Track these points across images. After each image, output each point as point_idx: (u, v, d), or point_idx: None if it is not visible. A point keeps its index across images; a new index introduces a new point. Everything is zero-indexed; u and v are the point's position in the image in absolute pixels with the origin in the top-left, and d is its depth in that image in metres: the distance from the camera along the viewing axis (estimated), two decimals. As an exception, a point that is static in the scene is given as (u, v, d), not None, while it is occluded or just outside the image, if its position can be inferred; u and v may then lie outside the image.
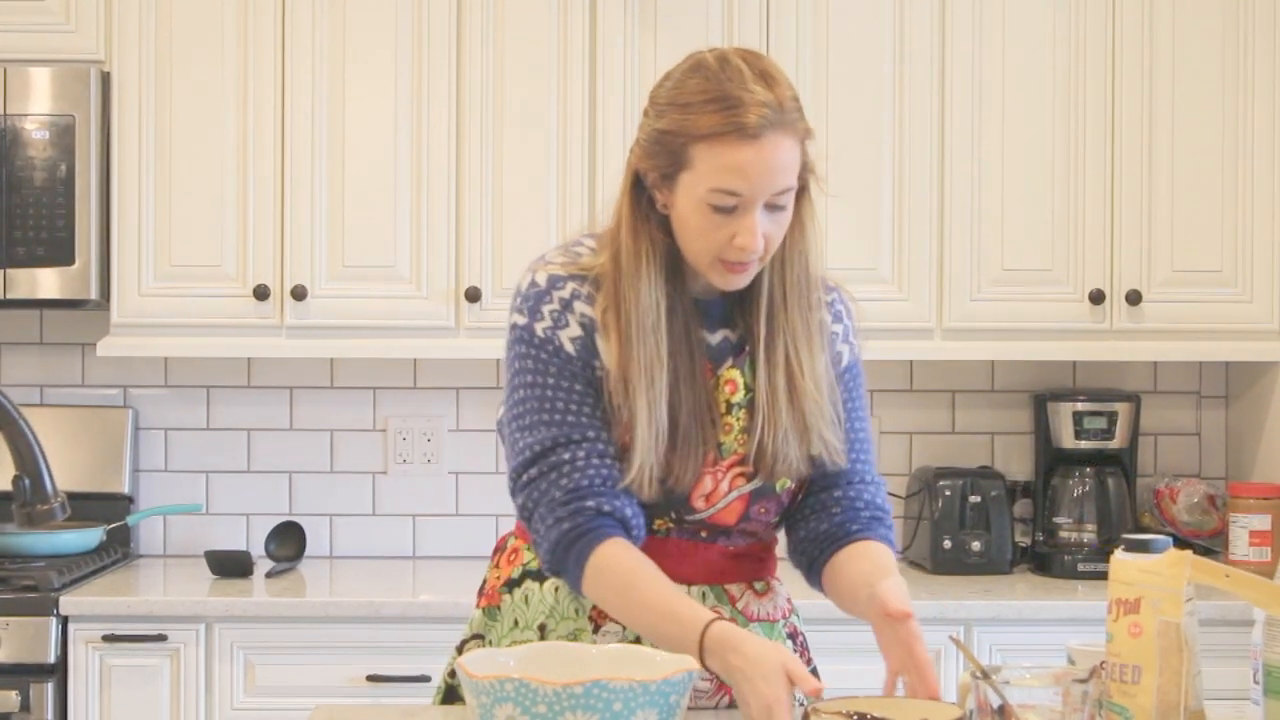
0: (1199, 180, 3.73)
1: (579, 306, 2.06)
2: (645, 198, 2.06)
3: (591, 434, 2.02)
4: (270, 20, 3.66)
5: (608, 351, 2.04)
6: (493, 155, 3.67)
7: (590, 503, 2.00)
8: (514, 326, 2.09)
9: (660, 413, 2.01)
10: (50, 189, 3.59)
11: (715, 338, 2.11)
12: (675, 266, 2.07)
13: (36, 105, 3.60)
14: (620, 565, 1.99)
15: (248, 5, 3.66)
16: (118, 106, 3.64)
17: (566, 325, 2.05)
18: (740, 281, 2.05)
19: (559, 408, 2.03)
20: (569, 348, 2.05)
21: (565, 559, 2.01)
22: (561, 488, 2.01)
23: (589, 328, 2.06)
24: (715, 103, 1.97)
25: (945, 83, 3.71)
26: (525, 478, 2.05)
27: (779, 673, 1.84)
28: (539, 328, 2.06)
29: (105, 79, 3.65)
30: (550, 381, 2.04)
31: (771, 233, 2.01)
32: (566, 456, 2.01)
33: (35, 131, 3.60)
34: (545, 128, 3.67)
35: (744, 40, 3.62)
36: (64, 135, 3.59)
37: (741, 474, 2.09)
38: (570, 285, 2.07)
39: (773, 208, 2.00)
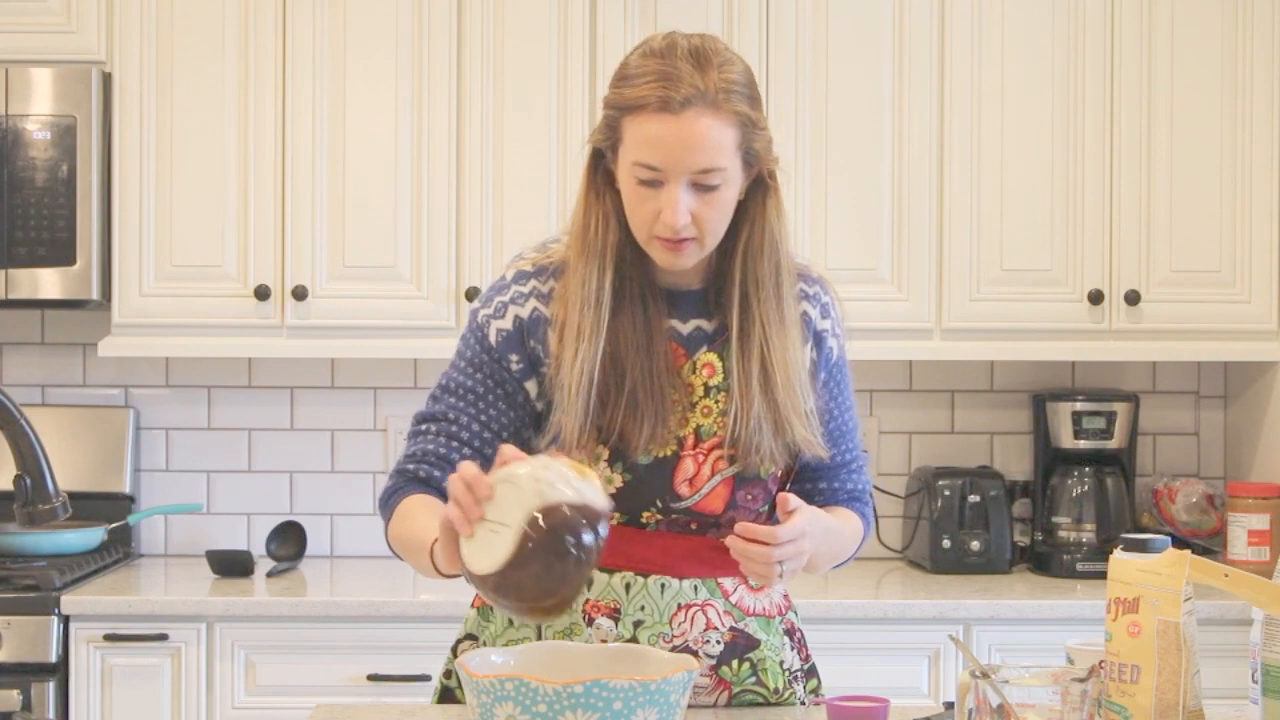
0: (1197, 181, 3.73)
1: (531, 303, 2.12)
2: (603, 174, 2.11)
3: (463, 418, 2.12)
4: (271, 20, 3.66)
5: (553, 336, 2.10)
6: (493, 155, 3.67)
7: (410, 467, 2.12)
8: (470, 310, 2.21)
9: (581, 375, 2.05)
10: (51, 189, 3.59)
11: (688, 327, 2.14)
12: (640, 252, 2.10)
13: (38, 106, 3.60)
14: (404, 510, 2.08)
15: (249, 6, 3.66)
16: (119, 107, 3.65)
17: (502, 317, 2.14)
18: (680, 261, 2.07)
19: (450, 388, 2.15)
20: (493, 338, 2.13)
21: (382, 510, 2.13)
22: (409, 455, 2.14)
23: (523, 324, 2.11)
24: (644, 77, 2.01)
25: (944, 83, 3.71)
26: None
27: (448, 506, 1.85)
28: (482, 314, 2.16)
29: (106, 79, 3.65)
30: (461, 365, 2.16)
31: (703, 214, 2.03)
32: (422, 428, 2.15)
33: (36, 132, 3.60)
34: (545, 128, 3.68)
35: (744, 39, 3.63)
36: (65, 136, 3.59)
37: (723, 457, 2.11)
38: (532, 283, 2.14)
39: (701, 187, 2.02)
